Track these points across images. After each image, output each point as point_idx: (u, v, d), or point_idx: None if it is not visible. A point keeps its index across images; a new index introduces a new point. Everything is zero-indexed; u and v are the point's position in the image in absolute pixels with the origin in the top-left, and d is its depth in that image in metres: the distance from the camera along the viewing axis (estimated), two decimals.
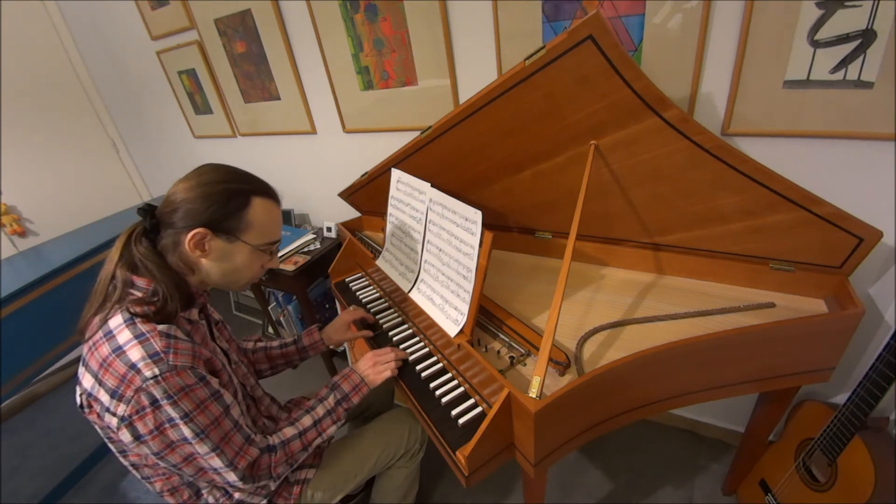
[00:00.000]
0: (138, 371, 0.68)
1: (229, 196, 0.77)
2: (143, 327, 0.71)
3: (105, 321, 0.73)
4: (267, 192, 0.83)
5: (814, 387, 1.23)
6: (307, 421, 0.94)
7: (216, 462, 0.76)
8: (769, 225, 0.92)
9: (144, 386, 0.68)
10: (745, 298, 1.01)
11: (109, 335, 0.71)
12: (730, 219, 0.96)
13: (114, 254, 0.77)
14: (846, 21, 0.85)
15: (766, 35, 0.93)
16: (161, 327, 0.73)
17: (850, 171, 0.97)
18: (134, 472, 0.85)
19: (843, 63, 0.88)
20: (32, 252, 2.04)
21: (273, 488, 0.88)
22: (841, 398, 1.11)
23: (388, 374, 1.02)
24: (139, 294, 0.75)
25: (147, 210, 0.79)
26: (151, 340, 0.70)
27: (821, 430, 1.02)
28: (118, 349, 0.70)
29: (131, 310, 0.72)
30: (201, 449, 0.74)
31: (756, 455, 1.26)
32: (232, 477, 0.79)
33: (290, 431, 0.91)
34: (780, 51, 0.92)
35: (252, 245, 0.81)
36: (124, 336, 0.70)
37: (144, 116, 2.56)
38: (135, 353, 0.69)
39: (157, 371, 0.68)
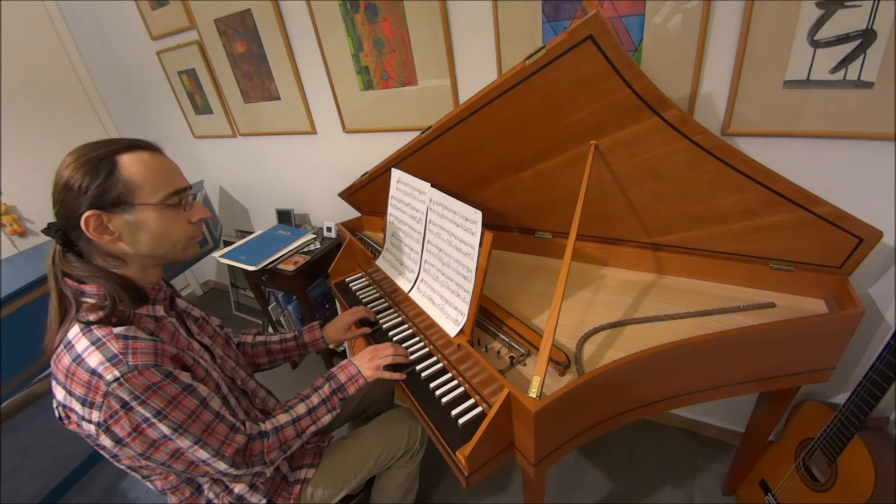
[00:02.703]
0: (100, 376, 0.67)
1: (92, 166, 0.70)
2: (98, 333, 0.70)
3: (65, 333, 0.72)
4: (133, 145, 0.75)
5: (814, 387, 1.23)
6: (301, 409, 0.93)
7: (202, 454, 0.76)
8: (769, 225, 0.92)
9: (110, 390, 0.67)
10: (745, 298, 1.01)
11: (69, 345, 0.71)
12: (730, 219, 0.96)
13: (51, 282, 0.75)
14: (846, 21, 0.85)
15: (766, 35, 0.93)
16: (118, 330, 0.71)
17: (850, 171, 0.97)
18: (133, 473, 0.85)
19: (843, 63, 0.88)
20: (32, 252, 2.05)
21: (268, 475, 0.88)
22: (841, 398, 1.11)
23: (385, 374, 1.02)
24: (92, 300, 0.74)
25: (50, 227, 0.75)
26: (108, 344, 0.69)
27: (821, 430, 1.02)
28: (77, 357, 0.69)
29: (84, 318, 0.71)
30: (183, 443, 0.74)
31: (756, 455, 1.26)
32: (222, 466, 0.78)
33: (283, 418, 0.91)
34: (780, 51, 0.92)
35: (153, 203, 0.74)
36: (82, 344, 0.70)
37: (144, 116, 2.56)
38: (93, 360, 0.68)
39: (117, 374, 0.67)
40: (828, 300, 0.96)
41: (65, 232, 0.74)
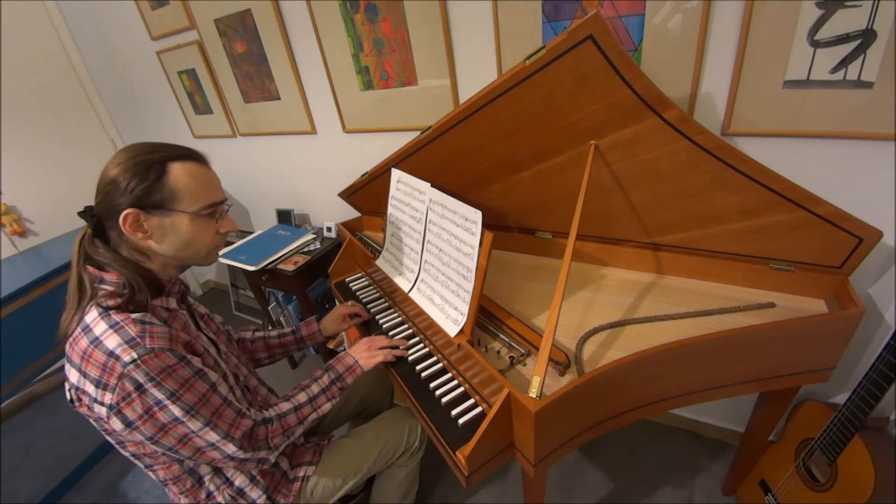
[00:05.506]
0: (117, 357, 0.69)
1: (144, 169, 0.74)
2: (116, 317, 0.73)
3: (82, 318, 0.75)
4: (185, 155, 0.79)
5: (814, 387, 1.23)
6: (302, 397, 0.96)
7: (212, 436, 0.77)
8: (769, 225, 0.92)
9: (126, 371, 0.69)
10: (745, 298, 1.01)
11: (87, 329, 0.73)
12: (730, 219, 0.96)
13: (73, 264, 0.78)
14: (846, 21, 0.85)
15: (766, 35, 0.93)
16: (135, 315, 0.74)
17: (850, 171, 0.97)
18: (136, 461, 0.85)
19: (843, 63, 0.88)
20: (32, 252, 2.05)
21: (272, 461, 0.89)
22: (841, 398, 1.11)
23: (380, 358, 1.06)
24: (110, 288, 0.76)
25: (86, 211, 0.79)
26: (126, 327, 0.72)
27: (821, 430, 1.02)
28: (96, 340, 0.71)
29: (103, 303, 0.74)
30: (194, 426, 0.75)
31: (756, 455, 1.26)
32: (231, 448, 0.80)
33: (285, 406, 0.93)
34: (780, 51, 0.92)
35: (189, 212, 0.78)
36: (100, 327, 0.72)
37: (144, 116, 2.56)
38: (111, 341, 0.70)
39: (135, 355, 0.69)
40: (828, 300, 0.96)
41: (99, 220, 0.78)
